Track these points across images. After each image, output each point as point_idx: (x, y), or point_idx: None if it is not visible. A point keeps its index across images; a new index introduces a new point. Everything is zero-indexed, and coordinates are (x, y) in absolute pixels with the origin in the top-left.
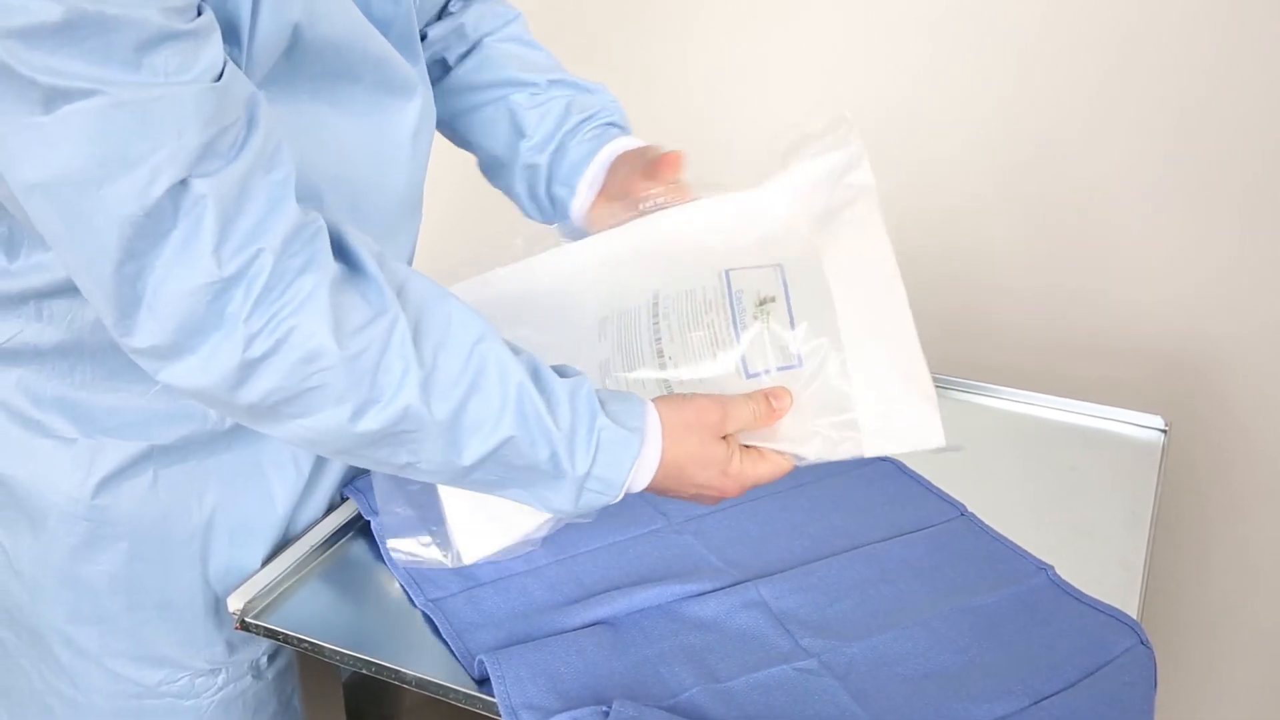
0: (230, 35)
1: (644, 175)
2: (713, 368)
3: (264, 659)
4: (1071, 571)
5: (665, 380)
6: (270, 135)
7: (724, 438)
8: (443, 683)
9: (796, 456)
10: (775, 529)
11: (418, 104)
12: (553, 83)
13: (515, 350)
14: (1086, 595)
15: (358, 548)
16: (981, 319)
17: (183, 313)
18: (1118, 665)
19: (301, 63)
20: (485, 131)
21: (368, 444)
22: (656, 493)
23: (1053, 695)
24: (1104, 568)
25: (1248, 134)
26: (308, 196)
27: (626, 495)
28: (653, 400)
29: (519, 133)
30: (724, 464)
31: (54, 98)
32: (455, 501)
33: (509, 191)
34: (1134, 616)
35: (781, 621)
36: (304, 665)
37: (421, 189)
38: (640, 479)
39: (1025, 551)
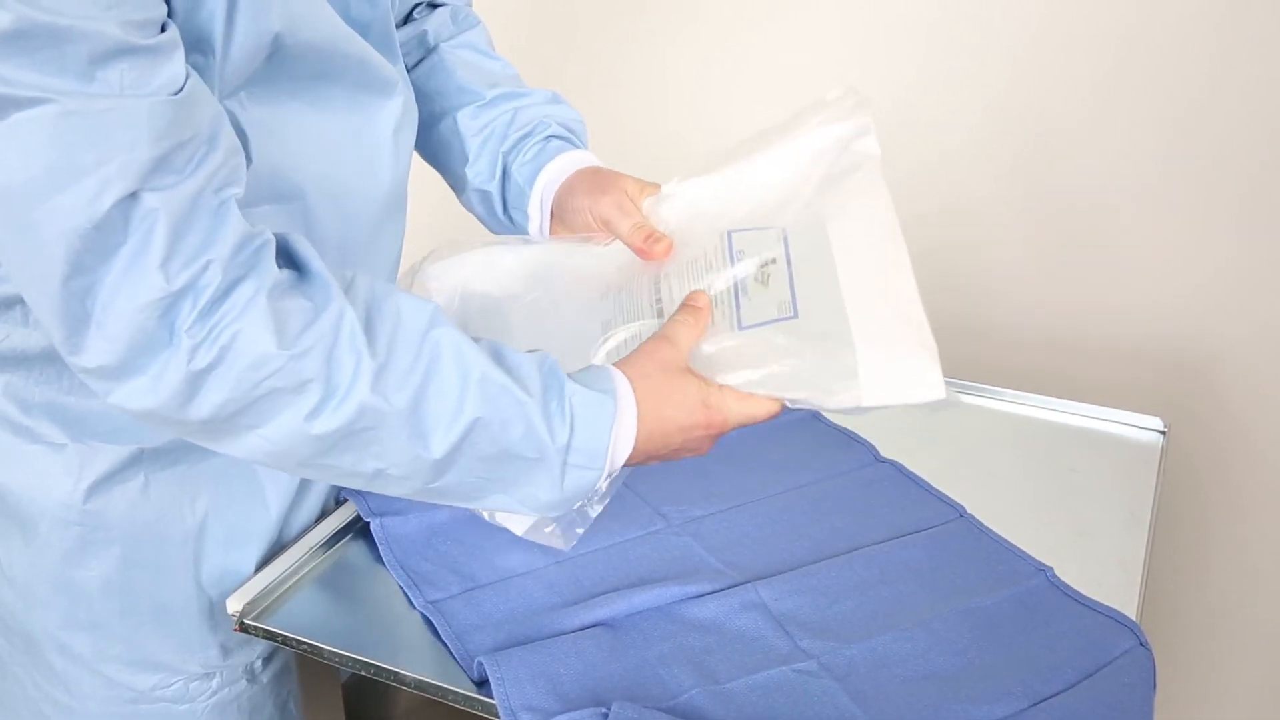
0: (203, 45)
1: (602, 218)
2: (709, 325)
3: (259, 662)
4: (1071, 573)
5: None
6: (231, 157)
7: (689, 370)
8: (442, 684)
9: (790, 401)
10: (774, 530)
11: (398, 102)
12: (498, 97)
13: (474, 338)
14: (1085, 596)
15: (356, 550)
16: (980, 320)
17: (132, 330)
18: (1117, 666)
19: (281, 66)
20: (438, 153)
21: (329, 448)
22: (645, 457)
23: (1052, 696)
24: (1103, 569)
25: (1246, 136)
26: (290, 196)
27: (616, 482)
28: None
29: (464, 158)
30: (700, 397)
31: (4, 105)
32: None
33: (472, 212)
34: (1133, 618)
35: (781, 623)
36: (303, 667)
37: (405, 187)
38: (623, 444)
39: (1024, 553)
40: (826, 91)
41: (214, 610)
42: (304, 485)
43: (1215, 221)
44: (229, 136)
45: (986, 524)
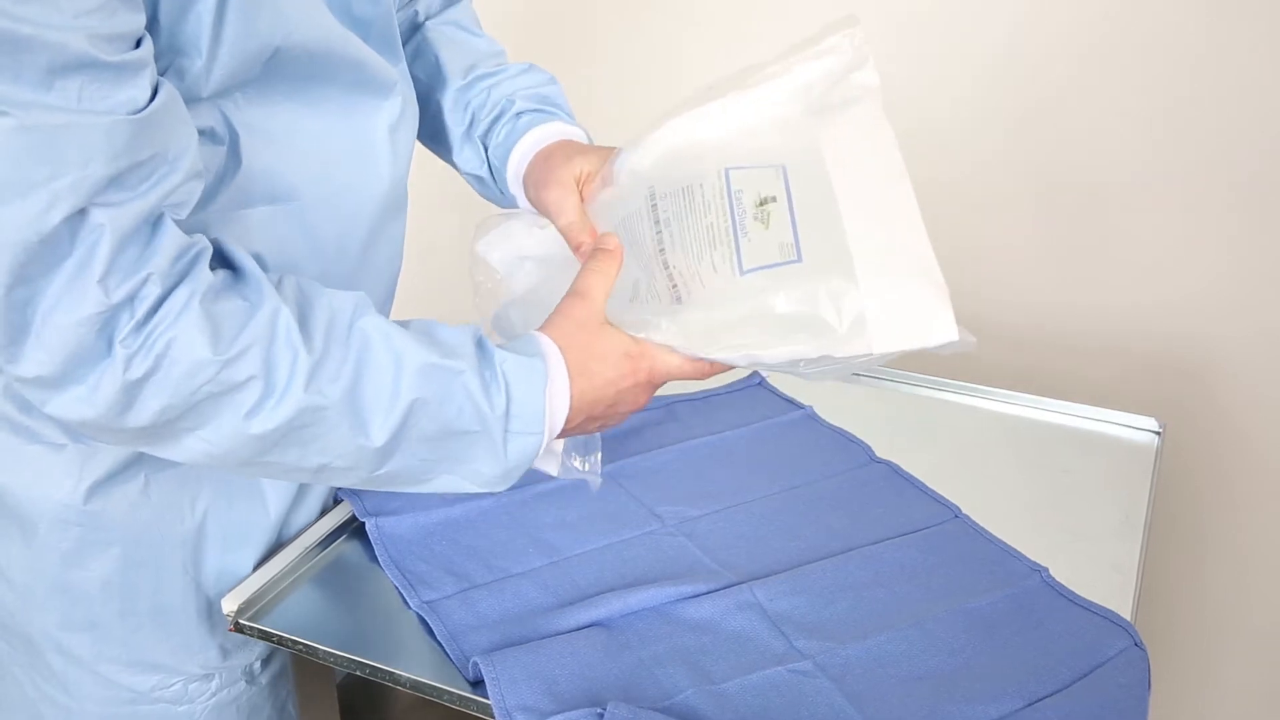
0: (190, 50)
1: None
2: (711, 269)
3: (257, 664)
4: (1065, 573)
5: (675, 291)
6: (189, 180)
7: (606, 324)
8: (437, 684)
9: (796, 360)
10: (769, 531)
11: (396, 101)
12: (475, 79)
13: (402, 323)
14: (1080, 597)
15: (352, 550)
16: (975, 320)
17: (71, 342)
18: (1112, 667)
19: (276, 69)
20: (431, 139)
21: (270, 446)
22: (584, 418)
23: (1047, 697)
24: (1098, 570)
25: (1241, 136)
26: (285, 197)
27: (595, 443)
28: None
29: (450, 147)
30: (622, 348)
31: None
32: None
33: (480, 195)
34: (1128, 618)
35: (776, 623)
36: (298, 667)
37: (405, 187)
38: (559, 404)
39: (1019, 553)
40: (822, 24)
41: (213, 611)
42: (304, 486)
43: (1210, 223)
44: (193, 162)
45: (982, 525)
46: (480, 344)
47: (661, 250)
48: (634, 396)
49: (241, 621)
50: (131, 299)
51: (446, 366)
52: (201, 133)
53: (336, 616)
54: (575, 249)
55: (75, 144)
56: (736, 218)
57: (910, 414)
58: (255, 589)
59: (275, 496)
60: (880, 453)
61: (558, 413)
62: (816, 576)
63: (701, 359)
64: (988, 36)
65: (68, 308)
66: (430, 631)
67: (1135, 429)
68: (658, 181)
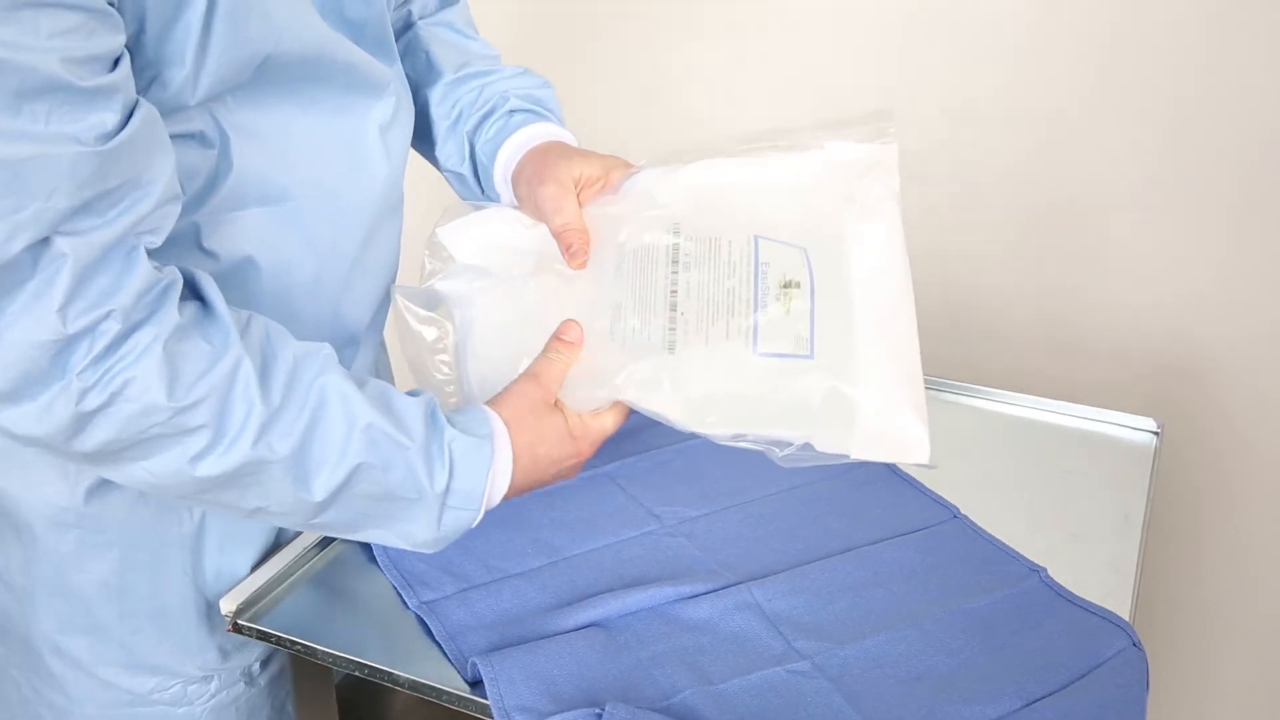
0: (177, 59)
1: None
2: (723, 336)
3: (256, 665)
4: (1064, 574)
5: (672, 337)
6: (164, 205)
7: (555, 405)
8: (436, 685)
9: (777, 443)
10: (768, 531)
11: (390, 102)
12: (466, 75)
13: (361, 382)
14: (1079, 597)
15: (350, 551)
16: (973, 321)
17: (24, 362)
18: (1110, 667)
19: (267, 74)
20: (414, 137)
21: (212, 488)
22: (519, 491)
23: (1045, 697)
24: (1096, 570)
25: (1238, 137)
26: (278, 198)
27: (490, 513)
28: (485, 403)
29: (433, 141)
30: (566, 430)
31: None
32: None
33: (457, 194)
34: (1126, 618)
35: (774, 624)
36: (297, 668)
37: (400, 188)
38: (499, 484)
39: (1018, 554)
40: (856, 108)
41: (212, 613)
42: None
43: (1208, 223)
44: (168, 186)
45: (980, 525)
46: (432, 417)
47: (673, 292)
48: (570, 471)
49: (240, 622)
50: (90, 331)
51: (395, 439)
52: (191, 136)
53: (335, 617)
54: (566, 249)
55: (39, 175)
56: (760, 292)
57: None
58: (254, 589)
59: None
60: None
61: (497, 491)
62: (815, 577)
63: (621, 408)
64: (993, 42)
65: (24, 329)
66: (429, 632)
67: (1134, 429)
68: (684, 221)
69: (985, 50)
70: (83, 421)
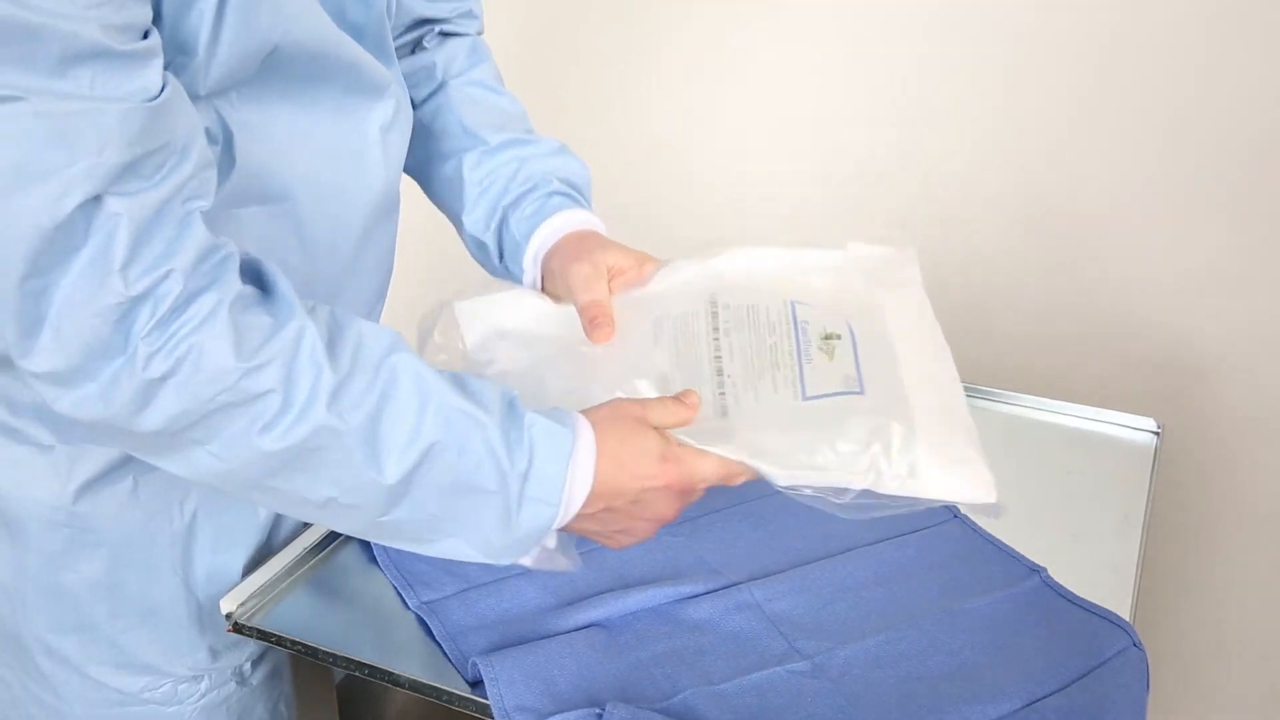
0: (189, 47)
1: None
2: (771, 387)
3: (248, 665)
4: (1064, 574)
5: (723, 402)
6: (202, 170)
7: (651, 428)
8: (436, 685)
9: (838, 490)
10: (768, 532)
11: (390, 104)
12: (503, 144)
13: (436, 369)
14: (1079, 597)
15: (349, 551)
16: (974, 322)
17: (87, 335)
18: (1110, 667)
19: (274, 68)
20: (441, 194)
21: (280, 468)
22: (602, 505)
23: (1046, 697)
24: (1097, 570)
25: (1237, 133)
26: (278, 197)
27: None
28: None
29: (462, 204)
30: (659, 450)
31: None
32: None
33: (472, 255)
34: (1126, 618)
35: (775, 624)
36: (297, 668)
37: (397, 189)
38: (580, 479)
39: (1018, 554)
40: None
41: (202, 612)
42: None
43: (1207, 223)
44: (202, 150)
45: (981, 525)
46: (509, 402)
47: (718, 357)
48: (662, 502)
49: (240, 622)
50: (151, 293)
51: (472, 414)
52: (207, 136)
53: (335, 617)
54: (590, 322)
55: (90, 130)
56: (801, 345)
57: None
58: (254, 590)
59: None
60: None
61: (577, 489)
62: (815, 577)
63: (746, 465)
64: (990, 42)
65: (85, 297)
66: (429, 632)
67: (1134, 429)
68: (720, 292)
69: (983, 51)
70: (150, 392)
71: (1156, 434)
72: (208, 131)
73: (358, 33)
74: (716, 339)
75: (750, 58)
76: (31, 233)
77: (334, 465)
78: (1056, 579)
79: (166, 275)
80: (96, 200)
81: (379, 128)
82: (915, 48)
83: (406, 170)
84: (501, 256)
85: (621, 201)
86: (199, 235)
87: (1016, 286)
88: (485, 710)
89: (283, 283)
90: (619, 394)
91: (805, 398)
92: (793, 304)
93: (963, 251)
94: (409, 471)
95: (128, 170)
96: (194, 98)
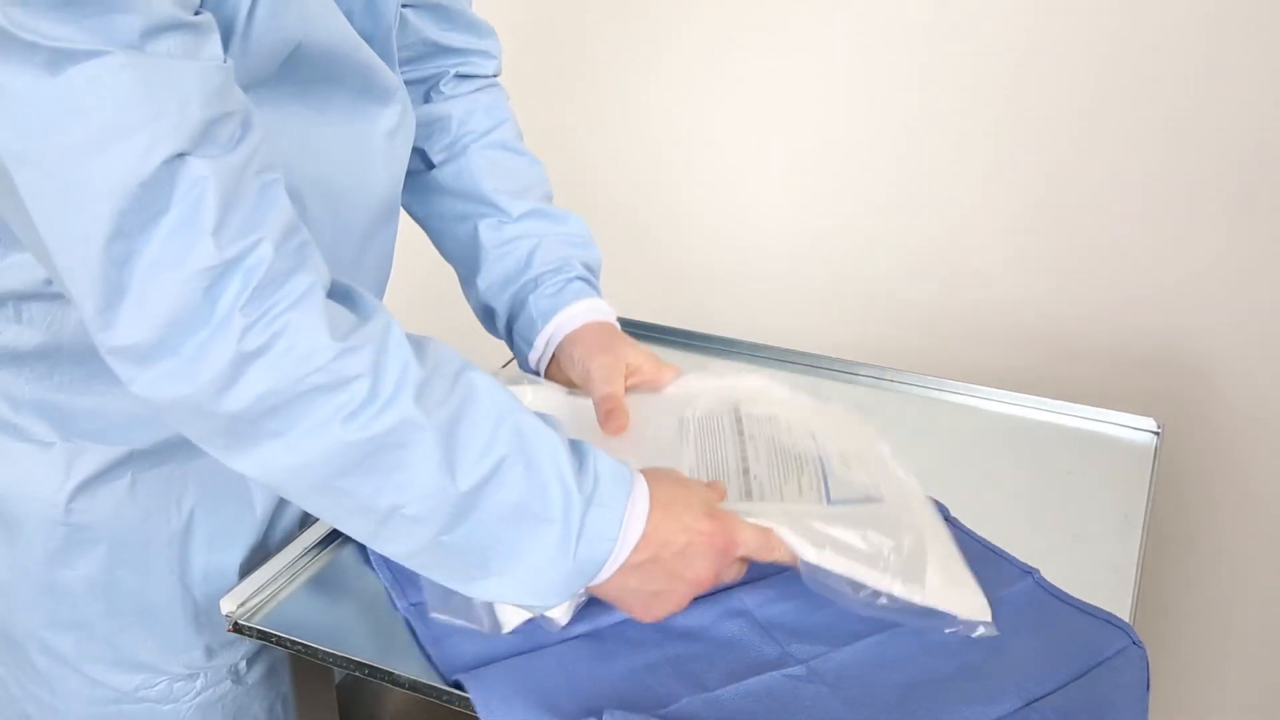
0: (224, 38)
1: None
2: (796, 490)
3: (243, 664)
4: (1064, 574)
5: (748, 488)
6: (264, 143)
7: (701, 487)
8: (435, 684)
9: (855, 584)
10: None
11: (396, 109)
12: (525, 214)
13: None
14: (1074, 597)
15: (348, 551)
16: (973, 323)
17: (173, 303)
18: (1109, 666)
19: (293, 69)
20: (455, 252)
21: (353, 466)
22: (649, 555)
23: (1045, 696)
24: (1097, 570)
25: (1235, 132)
26: (290, 198)
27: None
28: None
29: (476, 268)
30: (706, 505)
31: (59, 59)
32: None
33: (474, 312)
34: (1126, 618)
35: (766, 629)
36: (297, 668)
37: (399, 193)
38: (636, 516)
39: (1010, 555)
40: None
41: (199, 611)
42: (285, 502)
43: (1205, 221)
44: (259, 123)
45: (979, 525)
46: (569, 439)
47: (744, 458)
48: (704, 560)
49: (240, 622)
50: (243, 259)
51: (545, 434)
52: None
53: (335, 616)
54: (605, 414)
55: (173, 85)
56: (823, 456)
57: (909, 414)
58: (253, 589)
59: (261, 496)
60: None
61: (633, 529)
62: (804, 583)
63: (784, 549)
64: (988, 42)
65: (173, 261)
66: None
67: (1134, 429)
68: (742, 402)
69: (982, 51)
70: (240, 366)
71: (1157, 434)
72: None
73: (365, 40)
74: (741, 441)
75: (751, 62)
76: (118, 190)
77: (409, 467)
78: (1056, 580)
79: (258, 244)
80: (182, 159)
81: (385, 133)
82: (909, 44)
83: (416, 219)
84: (510, 327)
85: (618, 204)
86: (285, 206)
87: (1015, 286)
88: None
89: (362, 290)
90: None
91: (830, 502)
92: (812, 432)
93: (961, 252)
94: (480, 482)
95: (208, 132)
96: None
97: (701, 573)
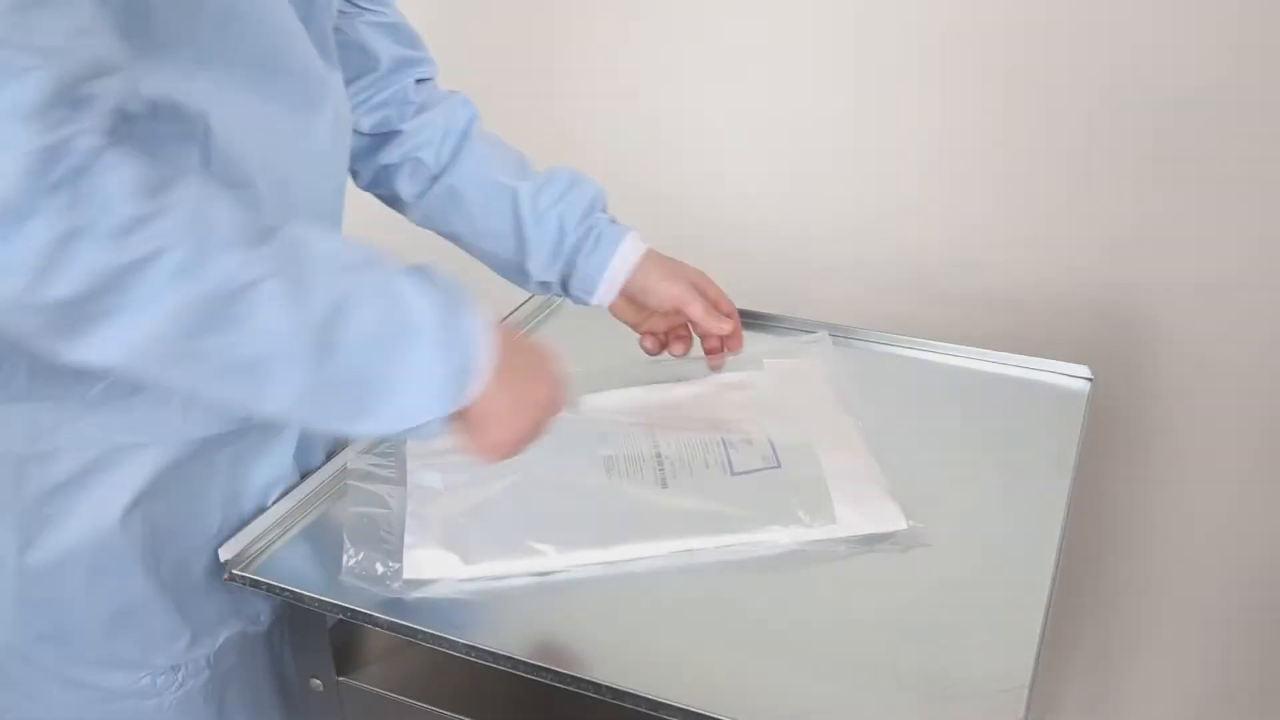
0: None
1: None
2: (703, 465)
3: (217, 652)
4: (998, 509)
5: (663, 475)
6: (125, 81)
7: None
8: (414, 626)
9: (766, 544)
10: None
11: (330, 105)
12: (539, 189)
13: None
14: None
15: (340, 507)
16: (914, 279)
17: None
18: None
19: (236, 49)
20: (487, 239)
21: (201, 324)
22: (503, 349)
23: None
24: (1031, 504)
25: (1163, 87)
26: (242, 183)
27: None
28: None
29: (524, 254)
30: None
31: None
32: (417, 521)
33: (490, 267)
34: (1055, 546)
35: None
36: (292, 615)
37: (343, 187)
38: (487, 318)
39: None
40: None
41: (180, 605)
42: (244, 487)
43: (1140, 172)
44: (104, 40)
45: (923, 468)
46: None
47: (657, 452)
48: (545, 386)
49: (236, 572)
50: (65, 144)
51: (384, 255)
52: (180, 109)
53: (327, 567)
54: (705, 336)
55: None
56: (726, 440)
57: (860, 369)
58: (250, 539)
59: (219, 484)
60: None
61: (492, 331)
62: None
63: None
64: (976, 46)
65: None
66: None
67: (1069, 376)
68: (656, 426)
69: (972, 54)
70: (63, 246)
71: (1090, 380)
72: (185, 109)
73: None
74: (654, 440)
75: (743, 51)
76: None
77: (257, 309)
78: (995, 513)
79: (77, 134)
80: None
81: (329, 124)
82: (907, 53)
83: (448, 234)
84: (565, 288)
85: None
86: (105, 106)
87: (950, 240)
88: (471, 650)
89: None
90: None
91: (733, 473)
92: (717, 420)
93: (894, 204)
94: (334, 308)
95: (27, 23)
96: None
97: (542, 395)
